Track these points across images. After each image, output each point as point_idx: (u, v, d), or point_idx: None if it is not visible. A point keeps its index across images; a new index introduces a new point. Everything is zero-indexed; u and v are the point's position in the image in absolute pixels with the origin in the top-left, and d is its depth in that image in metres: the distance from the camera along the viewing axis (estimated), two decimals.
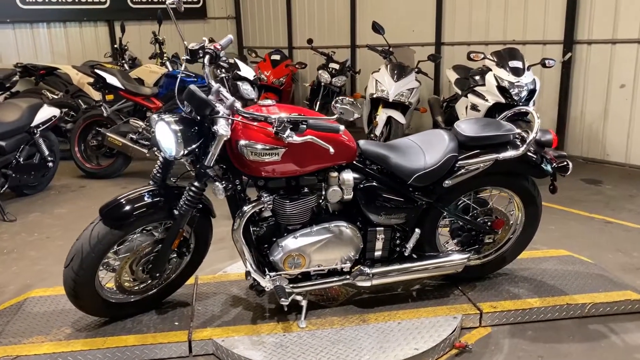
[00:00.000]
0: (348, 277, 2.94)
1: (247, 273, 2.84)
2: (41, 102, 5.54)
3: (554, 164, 3.03)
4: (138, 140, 5.91)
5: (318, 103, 8.07)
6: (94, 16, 9.16)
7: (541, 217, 3.29)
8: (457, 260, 3.05)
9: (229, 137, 2.54)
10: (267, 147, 2.57)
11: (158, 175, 2.78)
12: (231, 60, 5.76)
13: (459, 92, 6.52)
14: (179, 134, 2.53)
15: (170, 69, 6.80)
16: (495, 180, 3.11)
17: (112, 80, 5.96)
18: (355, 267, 2.96)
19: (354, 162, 2.88)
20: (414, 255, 3.10)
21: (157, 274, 2.81)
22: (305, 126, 2.49)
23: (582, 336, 2.93)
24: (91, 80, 6.18)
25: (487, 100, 5.93)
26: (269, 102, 2.75)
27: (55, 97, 7.04)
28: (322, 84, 8.05)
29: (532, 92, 5.79)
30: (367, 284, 2.94)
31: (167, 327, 2.87)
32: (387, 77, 6.51)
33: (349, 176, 2.81)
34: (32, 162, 5.33)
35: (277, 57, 8.87)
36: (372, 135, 6.57)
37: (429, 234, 3.11)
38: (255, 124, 2.55)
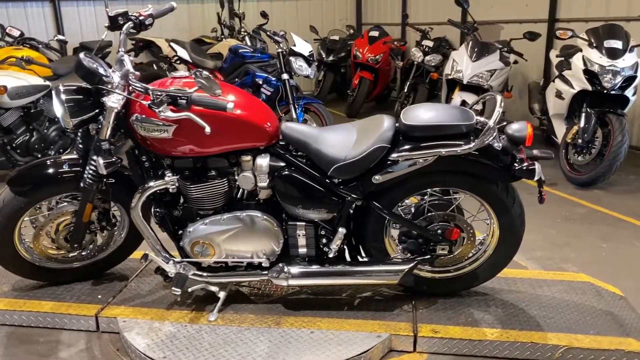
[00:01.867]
0: (266, 273, 2.66)
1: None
2: None
3: (520, 166, 2.41)
4: None
5: (408, 83, 7.57)
6: None
7: (521, 230, 2.67)
8: (391, 270, 2.60)
9: (118, 109, 2.41)
10: (155, 123, 2.38)
11: (80, 146, 2.74)
12: (289, 37, 5.62)
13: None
14: (67, 105, 2.45)
15: (249, 43, 6.84)
16: (454, 180, 2.57)
17: (181, 53, 6.15)
18: (278, 264, 2.67)
19: (276, 147, 2.57)
20: (350, 259, 2.72)
21: (76, 245, 2.79)
22: (185, 101, 2.26)
23: None
24: None
25: (572, 86, 5.03)
26: (182, 73, 2.55)
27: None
28: (415, 63, 7.51)
29: (630, 79, 4.78)
30: (284, 283, 2.63)
31: (87, 300, 2.86)
32: (465, 57, 5.84)
33: (263, 162, 2.52)
34: None
35: (375, 33, 8.47)
36: None
37: (374, 236, 2.68)
38: (139, 97, 2.37)
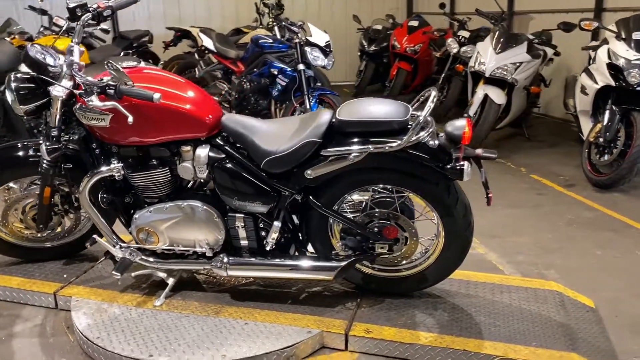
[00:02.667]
0: (209, 262, 2.69)
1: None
2: (137, 61, 6.08)
3: (451, 166, 2.29)
4: (221, 103, 6.15)
5: (442, 75, 7.34)
6: None
7: (467, 232, 2.54)
8: (326, 266, 2.56)
9: (63, 97, 2.50)
10: (93, 111, 2.46)
11: (34, 131, 2.87)
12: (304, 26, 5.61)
13: None
14: (17, 92, 2.57)
15: (278, 34, 6.87)
16: (392, 178, 2.49)
17: (207, 42, 6.28)
18: (220, 254, 2.69)
19: (218, 138, 2.59)
20: (297, 253, 2.70)
21: (41, 226, 2.94)
22: (113, 91, 2.33)
23: None
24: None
25: (596, 81, 4.72)
26: (132, 63, 2.62)
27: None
28: (451, 54, 7.26)
29: None
30: (224, 273, 2.66)
31: (53, 278, 3.01)
32: (490, 48, 5.60)
33: (201, 152, 2.54)
34: None
35: (415, 23, 8.27)
36: (465, 115, 5.76)
37: (319, 232, 2.66)
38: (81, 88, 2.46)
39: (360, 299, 2.75)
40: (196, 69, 6.55)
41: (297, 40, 5.49)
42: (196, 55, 7.45)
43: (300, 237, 2.72)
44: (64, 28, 4.83)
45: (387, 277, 2.73)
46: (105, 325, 2.59)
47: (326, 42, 5.52)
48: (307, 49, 5.43)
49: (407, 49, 8.02)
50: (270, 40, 5.81)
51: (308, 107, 5.41)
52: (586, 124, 5.01)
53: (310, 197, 2.53)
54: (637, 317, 2.79)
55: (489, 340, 2.43)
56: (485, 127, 5.43)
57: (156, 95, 2.30)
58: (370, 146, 2.32)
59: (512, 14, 5.97)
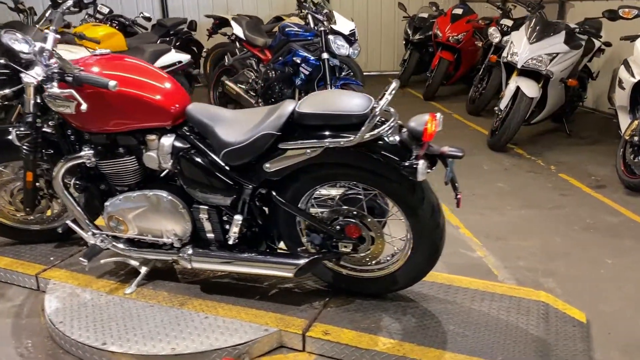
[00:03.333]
0: (177, 253, 2.67)
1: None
2: (168, 48, 6.16)
3: (407, 163, 2.14)
4: (248, 91, 6.14)
5: (483, 66, 7.00)
6: None
7: (435, 234, 2.38)
8: (287, 263, 2.48)
9: (34, 84, 2.52)
10: (60, 99, 2.47)
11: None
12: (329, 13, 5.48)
13: None
14: None
15: (312, 23, 6.76)
16: (354, 175, 2.36)
17: (237, 30, 6.28)
18: (187, 245, 2.66)
19: (184, 128, 2.55)
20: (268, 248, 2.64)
21: (28, 209, 3.01)
22: (71, 78, 2.33)
23: None
24: None
25: (633, 74, 4.34)
26: (102, 51, 2.62)
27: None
28: (493, 43, 6.91)
29: None
30: (188, 265, 2.63)
31: (40, 260, 3.09)
32: (524, 38, 5.27)
33: (166, 142, 2.51)
34: None
35: (459, 11, 7.93)
36: (495, 108, 5.48)
37: (286, 227, 2.57)
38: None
39: (329, 299, 2.65)
40: (225, 57, 6.56)
41: (321, 29, 5.37)
42: (237, 44, 7.47)
43: (271, 233, 2.65)
44: (46, 16, 4.91)
45: (357, 277, 2.62)
46: (72, 310, 2.62)
47: (351, 31, 5.37)
48: (331, 37, 5.30)
49: (450, 38, 7.71)
50: (296, 29, 5.72)
51: None
52: (624, 120, 4.62)
53: (273, 191, 2.45)
54: (633, 335, 2.54)
55: (451, 351, 2.28)
56: (514, 122, 5.12)
57: (112, 83, 2.28)
58: (326, 141, 2.21)
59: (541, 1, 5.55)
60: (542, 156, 5.24)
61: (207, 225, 2.59)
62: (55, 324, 2.52)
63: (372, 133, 2.15)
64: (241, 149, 2.34)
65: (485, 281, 2.87)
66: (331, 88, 5.31)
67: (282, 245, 2.70)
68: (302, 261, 2.45)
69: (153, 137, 2.54)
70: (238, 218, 2.50)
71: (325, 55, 5.36)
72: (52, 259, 3.10)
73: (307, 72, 5.51)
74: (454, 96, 8.26)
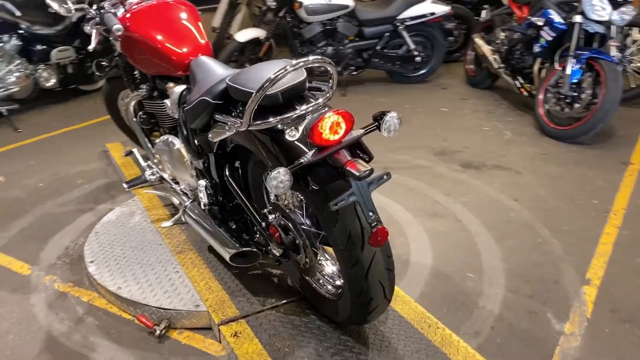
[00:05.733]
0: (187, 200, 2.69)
1: None
2: None
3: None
4: (494, 53, 5.31)
5: None
6: None
7: (355, 274, 1.76)
8: (227, 244, 2.23)
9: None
10: (116, 41, 2.68)
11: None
12: None
13: None
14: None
15: None
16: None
17: None
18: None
19: None
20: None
21: None
22: (97, 19, 2.51)
23: None
24: None
25: None
26: None
27: None
28: None
29: None
30: (182, 218, 2.64)
31: None
32: None
33: (175, 90, 2.45)
34: (396, 53, 5.86)
35: None
36: None
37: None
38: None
39: (283, 303, 2.29)
40: (484, 11, 5.74)
41: None
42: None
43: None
44: None
45: (316, 291, 2.17)
46: (109, 233, 2.94)
47: None
48: None
49: None
50: None
51: (568, 72, 4.19)
52: None
53: (228, 164, 2.20)
54: None
55: None
56: None
57: (115, 27, 2.37)
58: (228, 121, 1.85)
59: None
60: None
61: (200, 183, 2.51)
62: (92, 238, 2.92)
63: (258, 122, 1.70)
64: (187, 111, 2.17)
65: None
66: (571, 61, 4.17)
67: None
68: (238, 249, 2.17)
69: (171, 84, 2.54)
70: (201, 183, 2.35)
71: (577, 19, 4.22)
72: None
73: (549, 38, 4.45)
74: None
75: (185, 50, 2.43)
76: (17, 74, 4.90)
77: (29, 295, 2.58)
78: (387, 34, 5.74)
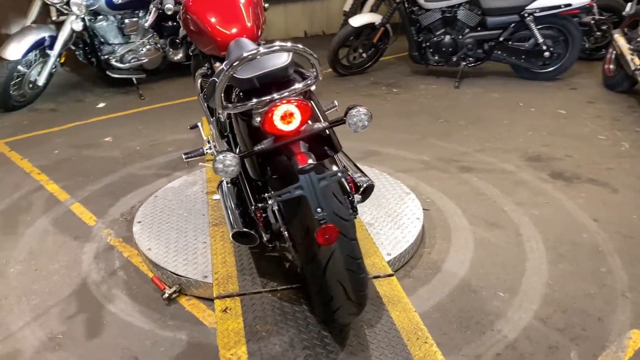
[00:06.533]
0: None
1: None
2: None
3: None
4: (634, 52, 4.64)
5: None
6: None
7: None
8: (234, 221, 2.23)
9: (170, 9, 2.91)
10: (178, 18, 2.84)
11: None
12: None
13: None
14: None
15: None
16: None
17: None
18: None
19: None
20: None
21: None
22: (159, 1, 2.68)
23: None
24: None
25: None
26: None
27: None
28: None
29: None
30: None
31: None
32: None
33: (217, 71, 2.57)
34: (522, 46, 5.40)
35: None
36: None
37: None
38: None
39: (285, 287, 2.29)
40: (629, 3, 5.00)
41: None
42: None
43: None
44: None
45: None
46: (166, 198, 3.16)
47: None
48: None
49: None
50: None
51: None
52: None
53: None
54: None
55: None
56: None
57: (167, 5, 2.52)
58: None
59: None
60: None
61: None
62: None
63: (229, 105, 1.71)
64: (206, 89, 2.22)
65: None
66: None
67: None
68: (239, 229, 2.20)
69: (217, 64, 2.63)
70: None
71: None
72: None
73: None
74: None
75: (230, 31, 2.50)
76: (148, 47, 5.41)
77: (84, 244, 2.88)
78: (513, 25, 5.31)
